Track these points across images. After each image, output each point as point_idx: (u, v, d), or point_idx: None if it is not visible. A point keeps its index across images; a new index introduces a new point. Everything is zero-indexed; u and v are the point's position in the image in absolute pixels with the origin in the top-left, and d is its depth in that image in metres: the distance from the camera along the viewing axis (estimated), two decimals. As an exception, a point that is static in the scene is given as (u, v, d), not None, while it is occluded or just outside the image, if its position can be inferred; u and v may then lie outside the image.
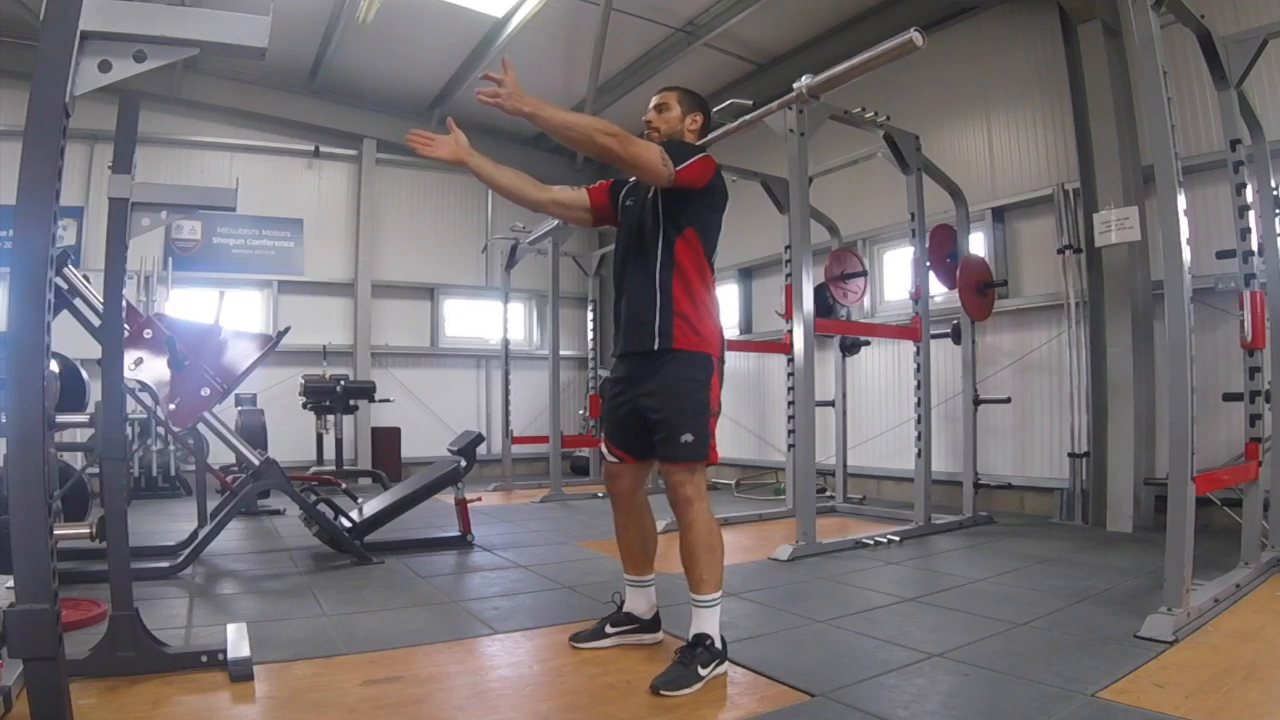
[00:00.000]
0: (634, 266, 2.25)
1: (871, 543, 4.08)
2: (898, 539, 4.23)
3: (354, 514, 3.95)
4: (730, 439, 7.58)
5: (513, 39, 6.62)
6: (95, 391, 2.29)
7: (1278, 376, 3.32)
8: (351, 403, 6.92)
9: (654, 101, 2.39)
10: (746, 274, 7.99)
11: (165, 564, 3.39)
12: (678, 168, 2.10)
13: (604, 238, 8.80)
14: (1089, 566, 3.51)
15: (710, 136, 4.72)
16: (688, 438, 2.11)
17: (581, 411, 8.60)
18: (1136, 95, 4.63)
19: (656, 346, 2.15)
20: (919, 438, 4.70)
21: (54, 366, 2.64)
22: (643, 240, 2.23)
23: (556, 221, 6.92)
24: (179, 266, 7.33)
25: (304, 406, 6.76)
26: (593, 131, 2.03)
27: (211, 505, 4.20)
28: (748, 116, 4.36)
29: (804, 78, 2.12)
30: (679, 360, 2.15)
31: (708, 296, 2.23)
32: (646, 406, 2.17)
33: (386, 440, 7.98)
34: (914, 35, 1.81)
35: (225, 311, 4.11)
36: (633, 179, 2.35)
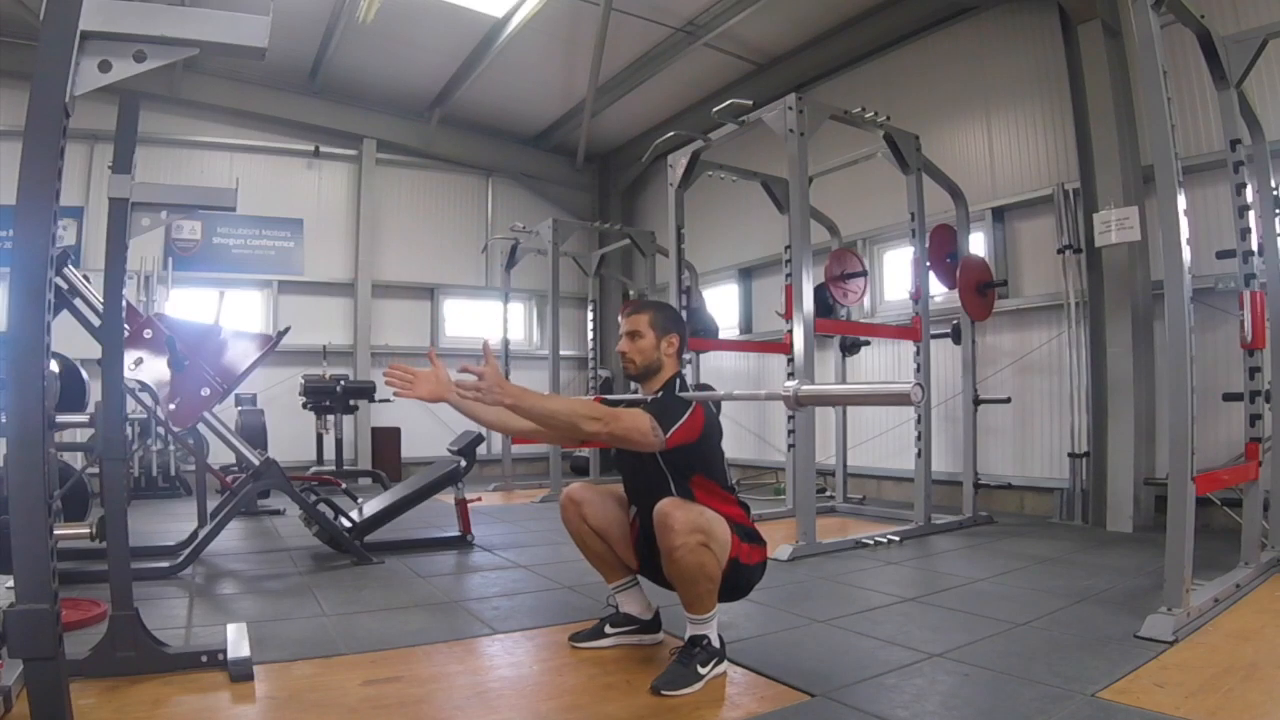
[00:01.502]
0: (653, 505, 2.14)
1: (871, 543, 4.08)
2: (898, 539, 4.23)
3: (354, 514, 3.95)
4: (730, 439, 7.54)
5: (513, 39, 6.63)
6: (95, 391, 2.29)
7: (1278, 376, 3.32)
8: (351, 403, 6.92)
9: (624, 328, 2.27)
10: (746, 274, 7.99)
11: (165, 564, 3.39)
12: (668, 434, 2.02)
13: (605, 238, 8.80)
14: (1089, 566, 3.51)
15: (712, 137, 4.73)
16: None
17: (581, 411, 8.57)
18: (1136, 95, 4.62)
19: None
20: (919, 438, 4.70)
21: (54, 366, 2.64)
22: (655, 489, 2.14)
23: (545, 221, 6.94)
24: (179, 266, 7.33)
25: (304, 406, 6.76)
26: (577, 419, 1.97)
27: (211, 505, 4.20)
28: (747, 117, 4.37)
29: (793, 382, 2.10)
30: None
31: (737, 512, 2.19)
32: None
33: (386, 440, 7.98)
34: (913, 390, 1.79)
35: (225, 311, 4.10)
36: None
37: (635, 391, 2.40)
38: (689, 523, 1.94)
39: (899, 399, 1.76)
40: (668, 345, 2.25)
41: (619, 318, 2.33)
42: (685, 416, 2.09)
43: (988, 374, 5.45)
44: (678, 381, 2.25)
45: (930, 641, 2.37)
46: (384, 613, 2.80)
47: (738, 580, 2.11)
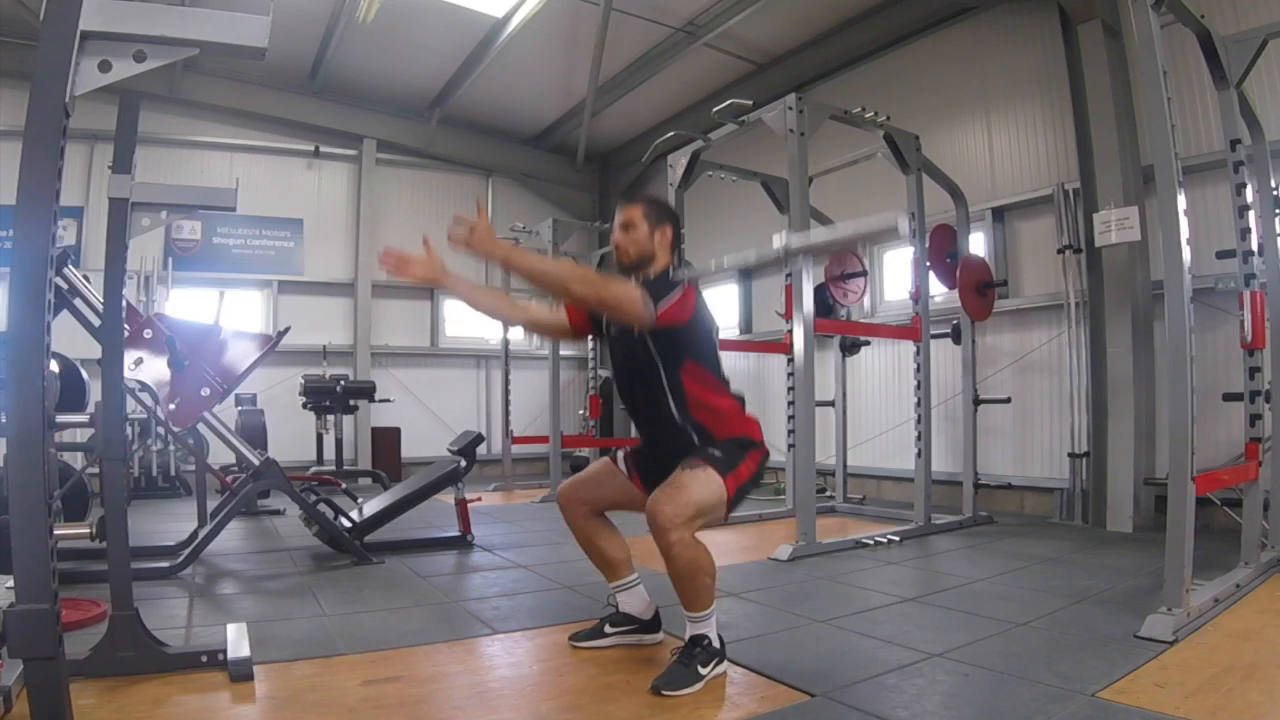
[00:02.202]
0: (648, 404, 2.19)
1: (871, 543, 4.08)
2: (898, 539, 4.22)
3: (354, 514, 3.95)
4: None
5: (513, 39, 6.63)
6: (95, 391, 2.29)
7: (1278, 376, 3.32)
8: (351, 403, 6.92)
9: (619, 219, 2.26)
10: (746, 274, 7.98)
11: (165, 564, 3.38)
12: (658, 309, 2.02)
13: (604, 238, 8.80)
14: (1089, 566, 3.51)
15: (712, 138, 4.73)
16: (716, 452, 2.08)
17: (581, 411, 8.58)
18: (1136, 95, 4.63)
19: (699, 444, 2.14)
20: (919, 438, 4.70)
21: (54, 366, 2.64)
22: (644, 377, 2.16)
23: (545, 221, 6.94)
24: (179, 266, 7.33)
25: (304, 406, 6.75)
26: (568, 280, 1.96)
27: (211, 505, 4.20)
28: (747, 117, 4.37)
29: (781, 236, 2.08)
30: (724, 440, 2.13)
31: (731, 404, 2.19)
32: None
33: (386, 440, 7.98)
34: (899, 220, 1.74)
35: (225, 311, 4.10)
36: None
37: None
38: (677, 516, 1.93)
39: (886, 233, 1.73)
40: (661, 236, 2.25)
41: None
42: (677, 294, 2.09)
43: (988, 374, 5.45)
44: (670, 272, 2.25)
45: (930, 641, 2.37)
46: (384, 613, 2.80)
47: (741, 498, 2.11)
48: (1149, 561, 3.45)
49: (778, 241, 1.99)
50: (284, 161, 8.11)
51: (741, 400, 2.24)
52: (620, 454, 2.38)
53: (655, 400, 2.16)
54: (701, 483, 2.00)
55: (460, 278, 2.22)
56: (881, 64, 6.55)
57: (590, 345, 9.08)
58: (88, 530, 2.01)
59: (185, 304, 6.99)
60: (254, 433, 5.94)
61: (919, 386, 4.73)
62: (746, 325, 8.00)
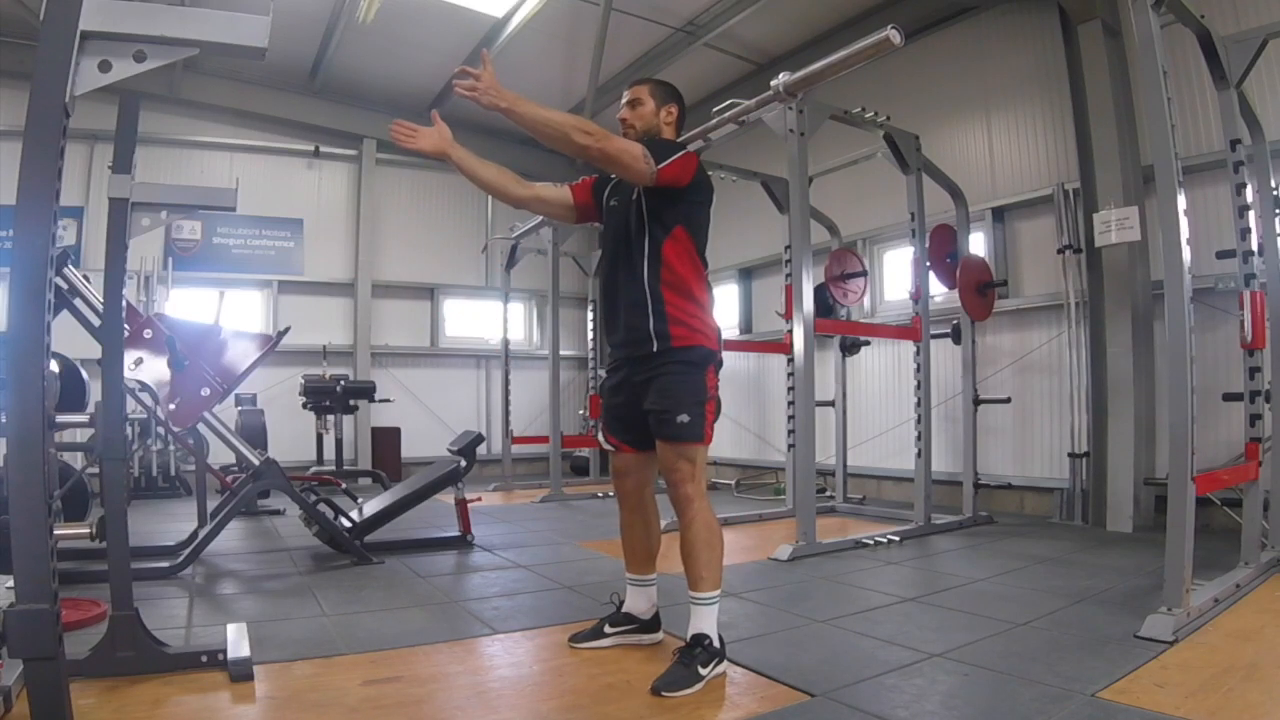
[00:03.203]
0: (623, 269, 2.22)
1: (871, 543, 4.08)
2: (898, 539, 4.23)
3: (354, 514, 3.95)
4: (730, 439, 7.58)
5: (513, 39, 6.63)
6: (95, 391, 2.29)
7: (1278, 376, 3.32)
8: (351, 403, 6.92)
9: (626, 97, 2.32)
10: (746, 274, 7.99)
11: (165, 564, 3.38)
12: (659, 165, 2.06)
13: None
14: (1089, 566, 3.51)
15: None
16: (684, 418, 2.10)
17: (581, 411, 8.60)
18: (1136, 95, 4.63)
19: (655, 349, 2.15)
20: (919, 438, 4.70)
21: (54, 366, 2.64)
22: (630, 241, 2.20)
23: (539, 219, 6.94)
24: (179, 266, 7.32)
25: (304, 406, 6.76)
26: (570, 129, 2.00)
27: (211, 505, 4.20)
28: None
29: (781, 75, 2.11)
30: (676, 357, 2.15)
31: (701, 293, 2.21)
32: (644, 398, 2.17)
33: (386, 440, 7.98)
34: (890, 33, 1.78)
35: (225, 311, 4.11)
36: (616, 177, 2.32)
37: None
38: (696, 485, 2.12)
39: (880, 46, 1.75)
40: (666, 114, 2.31)
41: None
42: (679, 154, 2.12)
43: (988, 374, 5.45)
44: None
45: (930, 641, 2.37)
46: (384, 613, 2.80)
47: (715, 417, 2.21)
48: (1149, 561, 3.45)
49: (776, 80, 2.05)
50: (284, 161, 8.11)
51: (711, 294, 2.26)
52: (600, 436, 2.43)
53: (632, 264, 2.18)
54: (690, 453, 2.13)
55: (467, 152, 2.25)
56: (881, 64, 6.50)
57: (590, 344, 9.10)
58: (88, 530, 2.01)
59: (185, 304, 6.99)
60: (254, 433, 5.94)
61: (919, 386, 4.73)
62: (746, 325, 8.00)
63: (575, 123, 2.03)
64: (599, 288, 2.40)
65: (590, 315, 8.98)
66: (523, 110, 2.01)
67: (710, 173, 5.39)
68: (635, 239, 2.18)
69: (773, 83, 2.06)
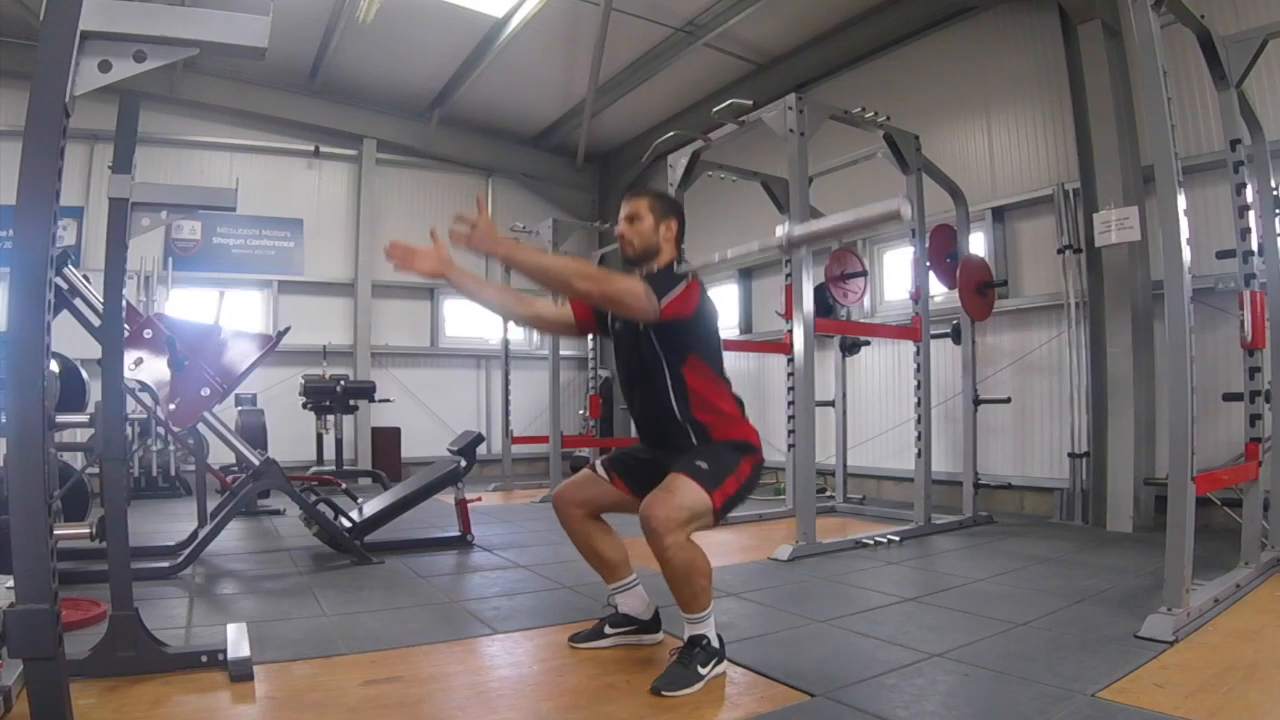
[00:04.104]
0: (649, 398, 2.19)
1: (871, 543, 4.08)
2: (898, 539, 4.22)
3: (354, 514, 3.95)
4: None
5: (513, 39, 6.63)
6: (95, 391, 2.29)
7: (1278, 376, 3.32)
8: (351, 403, 6.92)
9: (624, 211, 2.27)
10: (746, 274, 7.99)
11: (165, 564, 3.39)
12: (662, 303, 2.03)
13: (604, 238, 8.80)
14: (1089, 566, 3.51)
15: (711, 138, 4.73)
16: (703, 464, 2.05)
17: (581, 411, 8.58)
18: (1136, 95, 4.63)
19: (696, 444, 2.14)
20: (919, 438, 4.70)
21: (54, 366, 2.64)
22: (647, 372, 2.16)
23: (540, 219, 6.95)
24: (179, 266, 7.33)
25: (304, 406, 6.76)
26: (570, 276, 1.97)
27: (211, 505, 4.20)
28: (747, 117, 4.37)
29: (784, 226, 2.08)
30: (719, 442, 2.14)
31: (731, 406, 2.19)
32: (674, 463, 2.10)
33: (386, 440, 7.98)
34: (901, 207, 1.74)
35: (225, 311, 4.10)
36: None
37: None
38: (671, 519, 1.93)
39: (888, 217, 1.72)
40: (666, 229, 2.26)
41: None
42: (681, 288, 2.10)
43: (988, 374, 5.45)
44: (675, 266, 2.25)
45: (930, 641, 2.37)
46: (384, 613, 2.80)
47: (731, 507, 2.11)
48: (1149, 561, 3.45)
49: (780, 231, 2.00)
50: (284, 161, 8.11)
51: (740, 404, 2.24)
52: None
53: (657, 396, 2.16)
54: (694, 489, 2.01)
55: (465, 272, 2.21)
56: (881, 64, 6.55)
57: (590, 344, 9.10)
58: (88, 530, 2.01)
59: (185, 304, 6.99)
60: (254, 433, 5.94)
61: (919, 386, 4.73)
62: (746, 325, 8.00)
63: (575, 268, 2.00)
64: (621, 390, 2.34)
65: (590, 315, 8.97)
66: (521, 258, 1.98)
67: (710, 173, 5.41)
68: (653, 369, 2.14)
69: (778, 232, 2.04)
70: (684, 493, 1.99)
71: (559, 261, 2.06)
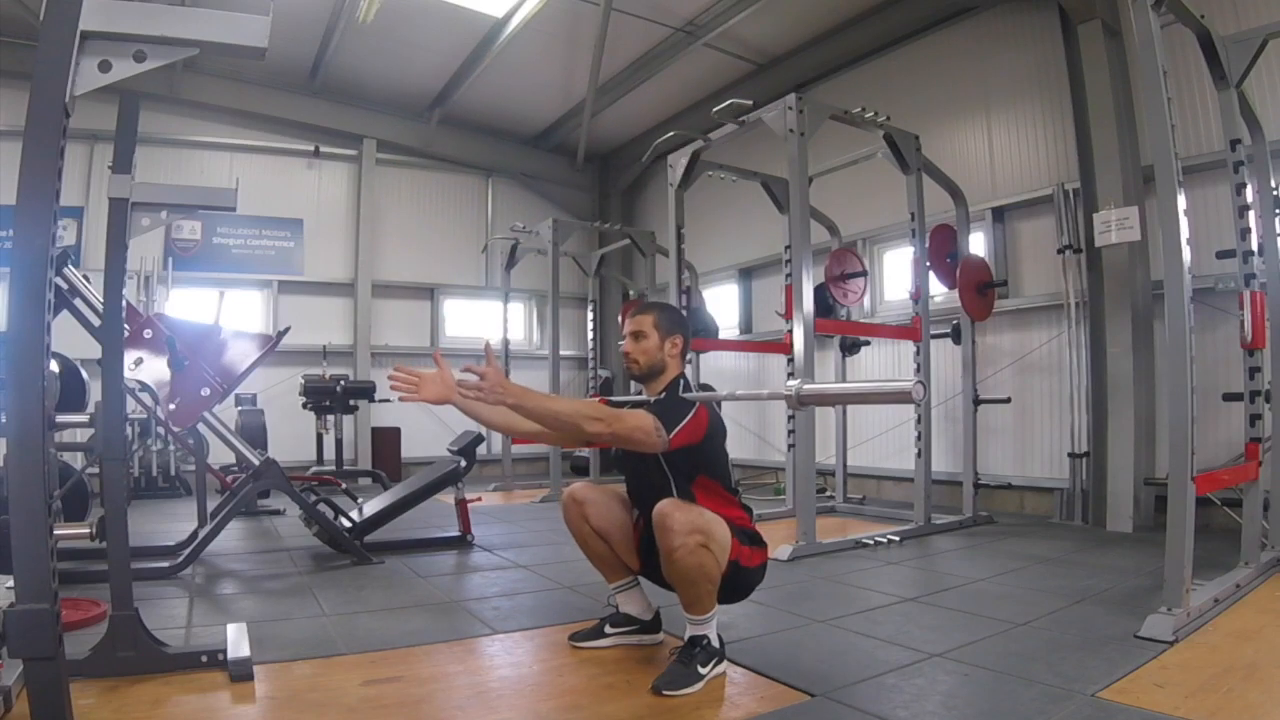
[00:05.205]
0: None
1: (871, 543, 4.08)
2: (898, 539, 4.22)
3: (354, 514, 3.95)
4: (731, 439, 7.50)
5: (513, 39, 6.63)
6: (95, 391, 2.29)
7: (1278, 377, 3.32)
8: (351, 403, 6.92)
9: (629, 328, 2.28)
10: (746, 274, 7.99)
11: (165, 564, 3.39)
12: (671, 435, 2.03)
13: (605, 238, 8.80)
14: (1089, 566, 3.51)
15: (712, 136, 4.72)
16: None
17: (581, 411, 8.58)
18: (1136, 95, 4.62)
19: None
20: (919, 438, 4.70)
21: (54, 366, 2.64)
22: (656, 493, 2.13)
23: (541, 220, 6.94)
24: (179, 266, 7.33)
25: (304, 406, 6.75)
26: (580, 419, 1.98)
27: (211, 505, 4.20)
28: (747, 117, 4.37)
29: (795, 382, 2.10)
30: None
31: (740, 515, 2.19)
32: None
33: (386, 440, 7.98)
34: (914, 389, 1.80)
35: (225, 311, 4.10)
36: None
37: (638, 392, 2.41)
38: (688, 523, 1.94)
39: (900, 396, 1.76)
40: (671, 346, 2.26)
41: (620, 318, 2.34)
42: (689, 417, 2.09)
43: (988, 374, 5.45)
44: (681, 383, 2.25)
45: (930, 641, 2.37)
46: (384, 613, 2.80)
47: (738, 582, 2.11)
48: (1149, 561, 3.45)
49: (791, 385, 2.03)
50: (284, 161, 8.11)
51: (750, 512, 2.25)
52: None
53: None
54: (717, 521, 2.01)
55: (470, 401, 2.14)
56: (881, 64, 6.55)
57: (590, 344, 9.11)
58: (88, 530, 2.01)
59: (185, 304, 6.99)
60: (254, 433, 5.94)
61: (919, 386, 4.72)
62: (746, 325, 7.99)
63: (585, 410, 2.01)
64: (630, 497, 2.35)
65: (590, 315, 8.99)
66: (531, 404, 1.97)
67: (710, 173, 5.41)
68: (663, 490, 2.14)
69: (789, 385, 2.06)
70: (706, 514, 2.00)
71: (568, 405, 2.07)
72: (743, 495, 2.31)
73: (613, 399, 2.38)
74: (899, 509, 5.25)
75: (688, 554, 1.93)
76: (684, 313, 2.26)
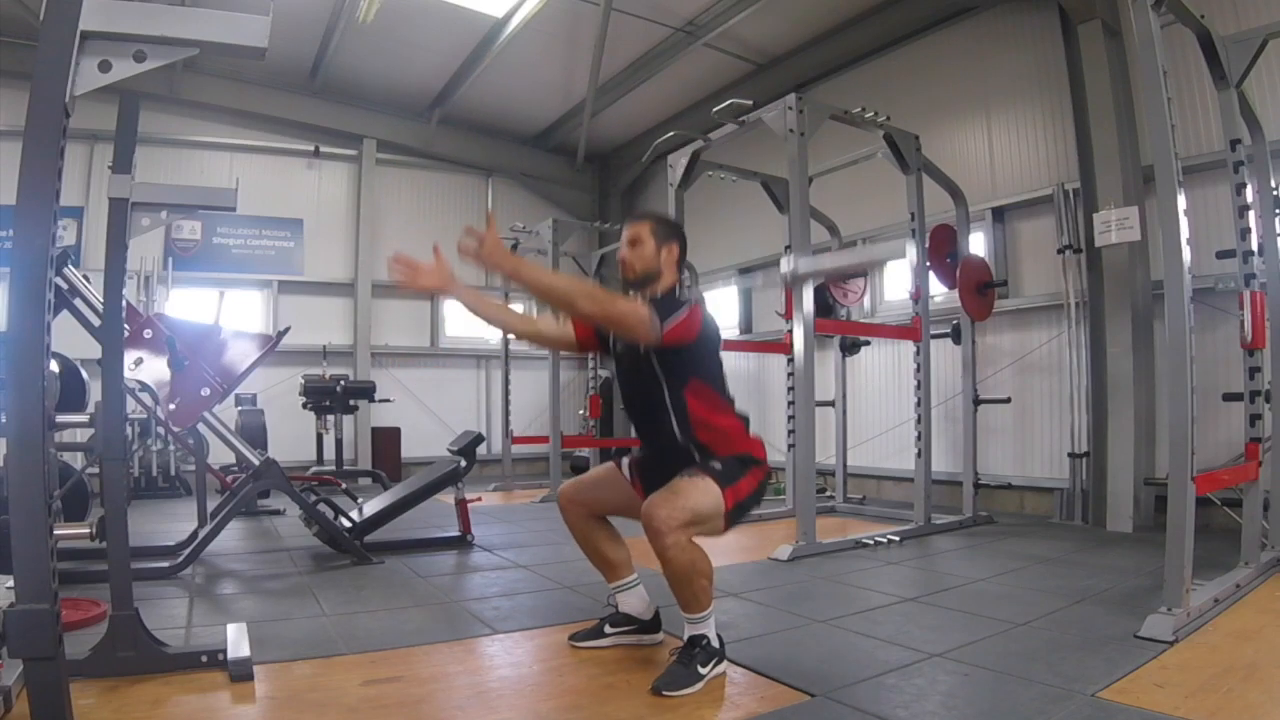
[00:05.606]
0: (650, 421, 2.20)
1: (871, 543, 4.08)
2: (898, 539, 4.22)
3: (354, 514, 3.95)
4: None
5: (513, 39, 6.63)
6: (95, 391, 2.29)
7: (1278, 377, 3.32)
8: (351, 403, 6.92)
9: (626, 235, 2.27)
10: (746, 274, 7.99)
11: (165, 564, 3.39)
12: (665, 327, 2.02)
13: (605, 238, 8.80)
14: (1089, 566, 3.51)
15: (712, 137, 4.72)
16: (716, 465, 2.08)
17: (581, 411, 8.58)
18: (1136, 95, 4.63)
19: (699, 459, 2.15)
20: (919, 438, 4.70)
21: (54, 366, 2.64)
22: (648, 394, 2.16)
23: (541, 220, 6.94)
24: (179, 266, 7.33)
25: (304, 406, 6.75)
26: (575, 295, 1.97)
27: (211, 505, 4.20)
28: (747, 117, 4.37)
29: (788, 260, 2.10)
30: (726, 456, 2.14)
31: (734, 424, 2.19)
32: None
33: (386, 440, 7.98)
34: (908, 249, 1.80)
35: (225, 311, 4.10)
36: None
37: None
38: (672, 519, 1.93)
39: (893, 254, 1.75)
40: (667, 254, 2.26)
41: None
42: (683, 313, 2.09)
43: (988, 374, 5.45)
44: (677, 291, 2.25)
45: (930, 641, 2.37)
46: (384, 613, 2.80)
47: (739, 513, 2.11)
48: (1149, 561, 3.45)
49: (785, 266, 2.03)
50: (284, 161, 8.11)
51: (745, 420, 2.24)
52: (625, 460, 2.38)
53: (658, 418, 2.17)
54: (700, 490, 2.01)
55: (468, 288, 2.21)
56: (881, 64, 6.55)
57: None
58: (88, 530, 2.00)
59: (185, 304, 7.00)
60: (254, 433, 5.94)
61: (919, 386, 4.73)
62: (746, 325, 8.00)
63: (580, 288, 2.00)
64: (625, 409, 2.37)
65: (590, 315, 8.97)
66: (527, 275, 1.98)
67: (710, 173, 5.41)
68: (655, 394, 2.15)
69: (783, 266, 2.07)
70: (689, 493, 1.99)
71: (564, 281, 2.05)
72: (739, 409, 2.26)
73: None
74: (899, 509, 5.25)
75: (679, 552, 1.94)
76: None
